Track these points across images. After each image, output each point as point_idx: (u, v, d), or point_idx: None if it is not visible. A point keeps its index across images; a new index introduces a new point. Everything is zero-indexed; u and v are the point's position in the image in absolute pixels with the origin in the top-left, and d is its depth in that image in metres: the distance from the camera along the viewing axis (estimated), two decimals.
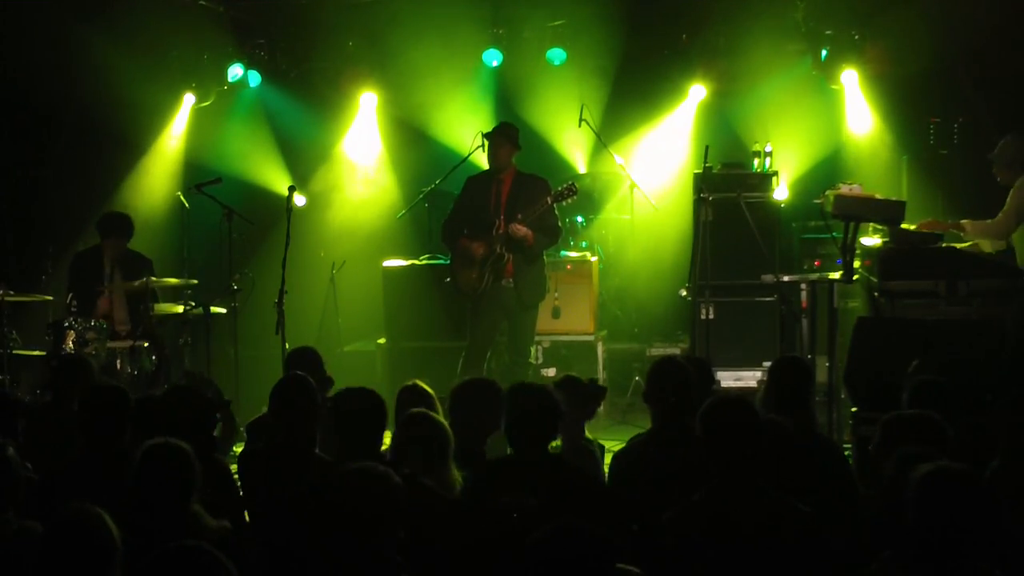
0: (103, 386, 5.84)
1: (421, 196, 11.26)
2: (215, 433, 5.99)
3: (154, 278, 9.52)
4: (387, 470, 4.14)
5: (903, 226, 8.42)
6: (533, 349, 9.71)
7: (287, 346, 9.10)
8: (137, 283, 9.35)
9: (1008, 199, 8.47)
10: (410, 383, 6.14)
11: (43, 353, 9.09)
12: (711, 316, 9.70)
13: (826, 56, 11.24)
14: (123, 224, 9.84)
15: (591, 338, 10.76)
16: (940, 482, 3.85)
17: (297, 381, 5.72)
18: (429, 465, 5.07)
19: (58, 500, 4.63)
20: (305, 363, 6.55)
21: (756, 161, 10.39)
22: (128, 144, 11.94)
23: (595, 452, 6.26)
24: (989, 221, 8.51)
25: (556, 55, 11.71)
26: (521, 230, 9.05)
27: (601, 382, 10.66)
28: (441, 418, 5.37)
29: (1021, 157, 8.51)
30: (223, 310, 9.87)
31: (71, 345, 8.90)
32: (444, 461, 5.16)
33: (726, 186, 9.94)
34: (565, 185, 9.23)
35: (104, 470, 5.19)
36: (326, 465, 5.31)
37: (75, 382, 6.93)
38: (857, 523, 4.81)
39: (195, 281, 9.91)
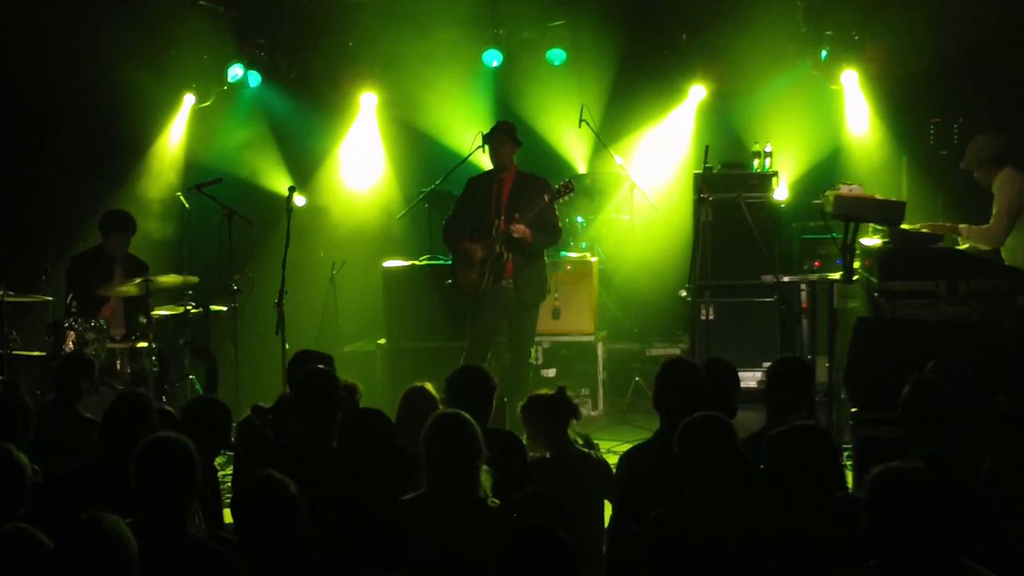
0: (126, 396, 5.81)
1: (421, 196, 11.25)
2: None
3: (152, 279, 9.51)
4: (282, 479, 4.17)
5: (903, 226, 8.42)
6: (533, 350, 9.71)
7: (287, 346, 9.11)
8: (137, 281, 9.34)
9: (995, 203, 8.45)
10: (417, 385, 6.18)
11: (43, 353, 9.09)
12: (711, 316, 9.70)
13: (826, 56, 11.24)
14: (126, 220, 9.86)
15: (591, 338, 10.77)
16: (891, 481, 3.84)
17: (320, 375, 5.74)
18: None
19: (65, 504, 4.63)
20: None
21: (756, 161, 10.38)
22: (128, 144, 11.93)
23: (591, 452, 6.25)
24: (984, 227, 8.48)
25: (556, 55, 11.70)
26: (520, 228, 9.05)
27: (601, 382, 10.73)
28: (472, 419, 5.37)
29: (989, 153, 8.49)
30: (223, 309, 9.87)
31: (71, 346, 8.89)
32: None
33: (726, 186, 9.95)
34: (562, 183, 9.23)
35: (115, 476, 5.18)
36: (343, 458, 5.34)
37: (77, 381, 6.95)
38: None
39: (195, 280, 9.91)
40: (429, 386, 6.20)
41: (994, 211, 8.44)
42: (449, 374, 6.13)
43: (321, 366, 6.07)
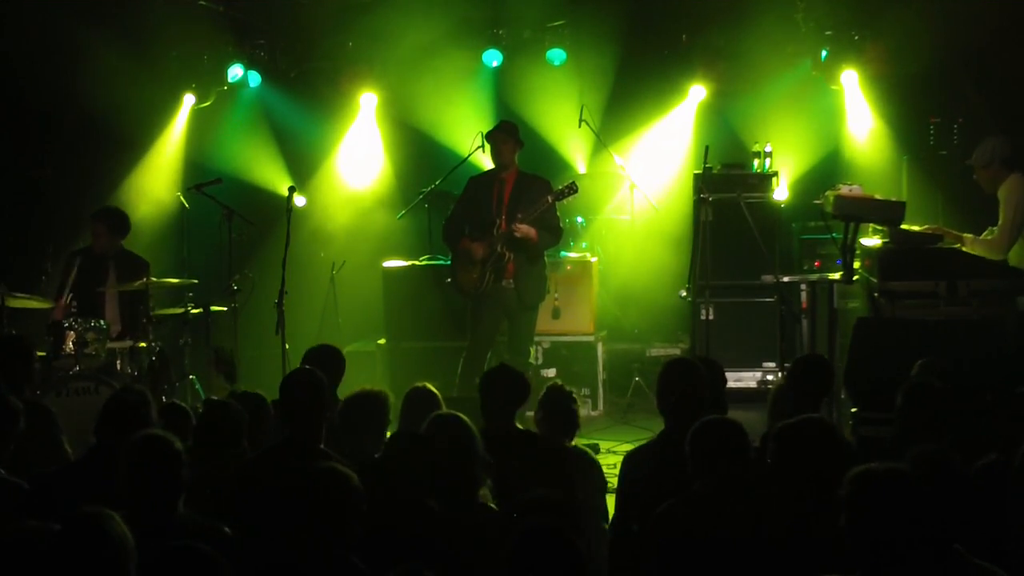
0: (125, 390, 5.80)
1: (421, 196, 11.25)
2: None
3: (153, 279, 9.50)
4: (348, 472, 4.18)
5: (903, 226, 8.41)
6: (533, 349, 9.71)
7: (287, 346, 9.11)
8: (136, 284, 9.34)
9: (1000, 214, 8.40)
10: (419, 385, 6.19)
11: (43, 353, 9.07)
12: (711, 316, 9.71)
13: (826, 56, 11.25)
14: (113, 215, 9.80)
15: (591, 338, 10.77)
16: (869, 483, 3.81)
17: (307, 376, 5.72)
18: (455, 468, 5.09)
19: (60, 502, 4.63)
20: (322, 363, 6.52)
21: (756, 161, 10.39)
22: (128, 144, 11.93)
23: (585, 453, 6.33)
24: (989, 238, 8.44)
25: (556, 55, 11.70)
26: (523, 228, 9.05)
27: (601, 382, 10.73)
28: (469, 421, 5.39)
29: (996, 155, 8.45)
30: (223, 309, 9.87)
31: (71, 346, 8.88)
32: (473, 464, 5.20)
33: (726, 186, 9.96)
34: (566, 185, 9.23)
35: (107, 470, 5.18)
36: (331, 461, 5.30)
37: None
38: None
39: (195, 281, 9.90)
40: (431, 386, 6.21)
41: (999, 222, 8.39)
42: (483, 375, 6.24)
43: (308, 366, 6.02)
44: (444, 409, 5.78)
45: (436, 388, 6.25)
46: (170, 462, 4.51)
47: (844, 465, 4.45)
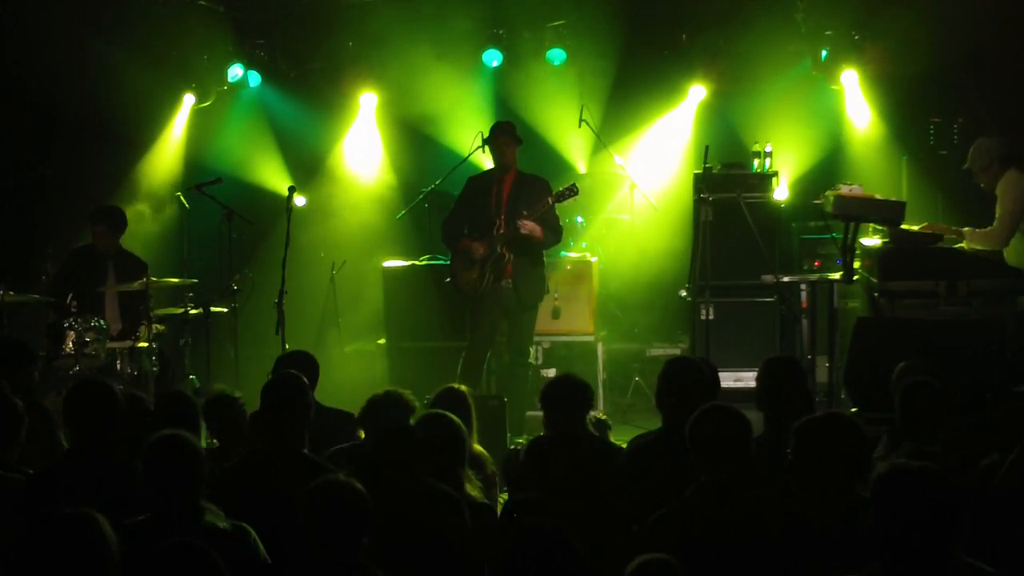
0: (88, 381, 5.79)
1: (421, 196, 11.25)
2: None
3: (153, 279, 9.50)
4: (350, 480, 4.17)
5: (903, 226, 8.42)
6: (533, 350, 9.71)
7: (287, 346, 9.11)
8: (136, 284, 9.34)
9: (998, 206, 8.40)
10: (453, 385, 6.24)
11: (43, 353, 9.07)
12: (711, 316, 9.70)
13: (826, 56, 11.25)
14: (113, 214, 9.80)
15: (591, 338, 10.76)
16: (897, 480, 3.78)
17: (289, 380, 5.66)
18: (443, 465, 5.10)
19: (51, 499, 4.64)
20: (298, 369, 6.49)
21: (756, 161, 10.39)
22: (128, 144, 11.93)
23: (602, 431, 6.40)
24: (987, 230, 8.45)
25: (556, 55, 11.71)
26: (529, 225, 9.04)
27: (601, 382, 10.73)
28: (459, 420, 5.39)
29: (994, 155, 8.46)
30: (223, 310, 9.87)
31: (71, 346, 8.88)
32: (460, 462, 5.19)
33: (726, 186, 9.94)
34: (566, 187, 9.23)
35: (94, 466, 5.18)
36: (315, 466, 5.28)
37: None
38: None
39: (195, 281, 9.91)
40: (464, 388, 6.23)
41: (997, 213, 8.40)
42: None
43: (293, 371, 6.01)
44: (474, 411, 5.85)
45: (432, 388, 6.28)
46: (189, 460, 4.52)
47: (865, 466, 4.43)
